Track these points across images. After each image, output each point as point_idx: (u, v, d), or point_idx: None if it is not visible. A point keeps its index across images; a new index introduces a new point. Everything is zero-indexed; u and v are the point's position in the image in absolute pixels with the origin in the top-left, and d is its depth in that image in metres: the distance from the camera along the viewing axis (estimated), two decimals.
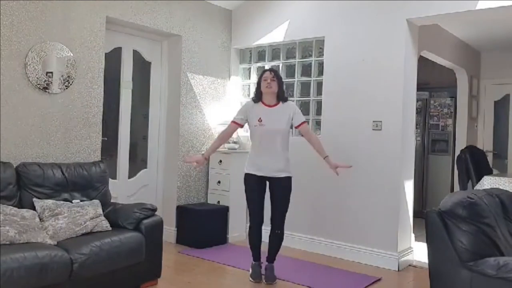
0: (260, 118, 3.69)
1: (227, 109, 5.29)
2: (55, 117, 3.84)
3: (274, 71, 3.79)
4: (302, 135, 3.88)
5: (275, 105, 3.74)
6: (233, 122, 3.83)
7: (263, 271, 3.77)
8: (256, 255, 3.81)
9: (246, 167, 3.79)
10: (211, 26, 5.22)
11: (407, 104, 4.31)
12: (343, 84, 4.57)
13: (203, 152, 4.10)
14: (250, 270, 3.81)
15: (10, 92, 3.56)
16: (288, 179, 3.74)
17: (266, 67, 5.24)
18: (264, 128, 3.68)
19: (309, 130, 3.84)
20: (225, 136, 3.90)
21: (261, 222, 3.76)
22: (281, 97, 3.75)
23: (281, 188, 3.72)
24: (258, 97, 3.78)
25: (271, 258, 3.81)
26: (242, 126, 3.86)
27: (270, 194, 3.76)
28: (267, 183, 3.75)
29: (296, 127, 3.79)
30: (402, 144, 4.25)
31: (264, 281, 3.72)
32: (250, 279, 3.76)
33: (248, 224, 3.84)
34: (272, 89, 3.70)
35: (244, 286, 3.70)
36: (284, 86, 3.92)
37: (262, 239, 3.80)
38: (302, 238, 4.75)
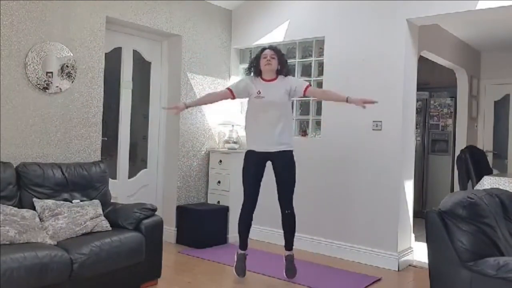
0: (259, 91, 3.66)
1: (227, 109, 5.29)
2: (55, 117, 3.84)
3: (274, 48, 3.76)
4: (314, 99, 3.84)
5: (274, 79, 3.71)
6: (228, 88, 3.80)
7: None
8: (243, 242, 3.78)
9: (247, 144, 3.77)
10: (211, 26, 5.22)
11: (407, 104, 4.31)
12: (343, 84, 4.56)
13: (185, 102, 3.96)
14: (235, 261, 3.79)
15: (10, 92, 3.56)
16: (289, 153, 3.70)
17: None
18: (263, 100, 3.64)
19: (316, 89, 3.80)
20: (214, 96, 3.87)
21: (253, 205, 3.73)
22: (281, 72, 3.71)
23: (285, 165, 3.68)
24: (256, 73, 3.74)
25: (288, 243, 3.78)
26: (233, 98, 3.81)
27: (274, 174, 3.72)
28: (267, 164, 3.70)
29: (304, 95, 3.74)
30: (402, 144, 4.25)
31: (284, 274, 3.71)
32: (234, 272, 3.75)
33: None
34: (272, 66, 3.67)
35: (244, 286, 3.70)
36: (287, 63, 3.85)
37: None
38: (302, 238, 4.75)
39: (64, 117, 3.91)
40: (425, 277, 3.14)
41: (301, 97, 4.96)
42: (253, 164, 3.70)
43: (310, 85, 3.77)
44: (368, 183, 4.38)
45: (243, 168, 3.75)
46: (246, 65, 5.43)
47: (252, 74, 3.81)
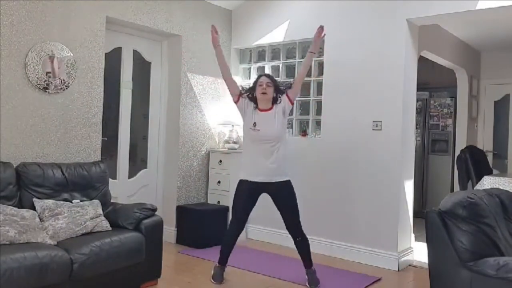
0: (254, 123, 3.55)
1: (227, 109, 5.29)
2: (55, 117, 3.84)
3: (270, 76, 3.69)
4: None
5: (270, 109, 3.60)
6: (241, 92, 3.66)
7: (296, 279, 3.71)
8: (223, 259, 3.70)
9: (241, 173, 3.66)
10: (211, 26, 5.20)
11: (407, 104, 4.31)
12: (343, 84, 4.57)
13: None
14: (212, 270, 3.73)
15: (10, 92, 3.56)
16: (288, 183, 3.61)
17: (266, 67, 5.25)
18: (258, 134, 3.54)
19: (293, 83, 3.62)
20: (229, 76, 3.67)
21: (240, 230, 3.68)
22: (276, 101, 3.61)
23: (285, 196, 3.60)
24: (252, 100, 3.64)
25: (307, 263, 3.71)
26: (236, 101, 3.66)
27: (276, 206, 3.64)
28: (263, 195, 3.62)
29: (292, 102, 3.61)
30: (402, 144, 4.25)
31: (307, 285, 3.65)
32: (212, 280, 3.68)
33: (229, 224, 3.76)
34: (268, 95, 3.55)
35: (244, 286, 3.70)
36: (280, 88, 3.70)
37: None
38: None
39: (64, 117, 3.91)
40: (425, 277, 3.14)
41: (301, 97, 5.00)
42: (247, 193, 3.60)
43: (288, 89, 3.63)
44: (368, 183, 4.38)
45: (235, 194, 3.66)
46: (246, 65, 5.47)
47: (248, 99, 3.67)
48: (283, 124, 3.64)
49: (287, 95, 3.62)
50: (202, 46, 5.11)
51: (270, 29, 5.13)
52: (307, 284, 3.66)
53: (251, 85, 3.76)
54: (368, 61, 4.41)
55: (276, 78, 4.61)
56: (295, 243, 3.67)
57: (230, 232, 3.71)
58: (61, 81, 3.86)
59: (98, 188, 3.74)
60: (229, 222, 4.86)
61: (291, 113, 5.01)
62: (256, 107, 3.63)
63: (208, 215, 4.78)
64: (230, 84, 3.71)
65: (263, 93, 3.54)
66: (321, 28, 3.63)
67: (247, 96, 3.66)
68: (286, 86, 3.68)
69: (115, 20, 4.31)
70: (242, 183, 3.64)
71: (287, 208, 3.62)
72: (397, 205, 4.23)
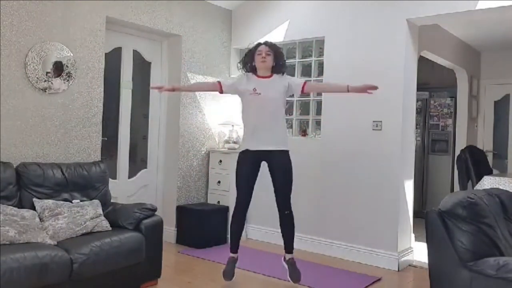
0: (254, 88, 3.51)
1: (227, 109, 5.29)
2: (55, 117, 3.84)
3: (270, 44, 3.62)
4: (315, 93, 3.67)
5: (269, 76, 3.57)
6: (218, 81, 3.68)
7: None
8: (235, 244, 3.66)
9: (241, 145, 3.63)
10: (211, 26, 5.22)
11: (407, 104, 4.31)
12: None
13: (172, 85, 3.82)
14: (225, 266, 3.66)
15: (10, 92, 3.56)
16: (285, 153, 3.57)
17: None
18: (259, 97, 3.49)
19: (314, 84, 3.59)
20: (202, 85, 3.73)
21: (246, 207, 3.60)
22: (277, 70, 3.58)
23: (282, 165, 3.55)
24: (251, 69, 3.61)
25: (288, 245, 3.66)
26: (221, 92, 3.66)
27: (271, 175, 3.60)
28: (263, 164, 3.58)
29: (303, 92, 3.59)
30: (402, 144, 4.25)
31: (288, 278, 3.61)
32: (222, 276, 3.63)
33: (234, 212, 3.70)
34: (267, 63, 3.51)
35: (244, 286, 3.70)
36: (284, 60, 3.68)
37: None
38: (302, 238, 4.75)
39: (64, 117, 3.90)
40: (425, 277, 3.14)
41: (301, 97, 5.00)
42: (248, 164, 3.56)
43: (306, 82, 3.60)
44: (368, 183, 4.38)
45: (237, 169, 3.60)
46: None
47: (245, 71, 3.67)
48: (284, 95, 3.59)
49: (304, 84, 3.57)
50: (202, 46, 5.11)
51: (270, 29, 5.13)
52: (288, 277, 3.62)
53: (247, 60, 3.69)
54: (368, 61, 4.41)
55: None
56: (281, 217, 3.62)
57: (237, 212, 3.63)
58: (61, 81, 3.86)
59: (98, 188, 3.74)
60: (230, 218, 4.90)
61: (291, 113, 5.02)
62: (253, 74, 3.60)
63: (208, 215, 4.78)
64: (207, 89, 3.76)
65: (263, 61, 3.52)
66: (375, 88, 3.41)
67: (243, 65, 3.65)
68: (285, 71, 3.66)
69: (115, 20, 4.31)
70: (243, 154, 3.60)
71: (282, 179, 3.56)
72: (397, 205, 4.23)
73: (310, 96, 4.92)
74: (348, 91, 3.46)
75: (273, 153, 3.55)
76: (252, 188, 3.61)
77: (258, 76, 3.60)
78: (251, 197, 3.63)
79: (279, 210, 3.63)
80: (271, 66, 3.57)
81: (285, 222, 3.64)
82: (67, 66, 3.89)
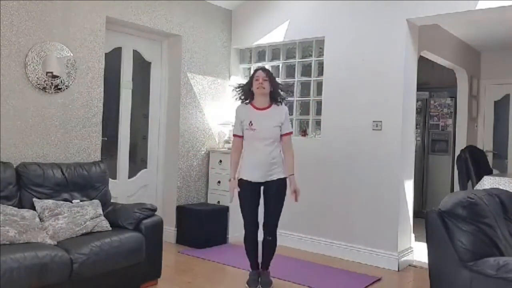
0: (250, 122, 3.51)
1: (227, 109, 5.29)
2: (55, 117, 3.84)
3: (267, 70, 3.63)
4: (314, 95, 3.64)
5: (267, 107, 3.56)
6: (235, 135, 3.68)
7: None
8: (254, 263, 3.65)
9: (240, 172, 3.64)
10: (211, 26, 5.22)
11: (407, 104, 4.31)
12: (343, 84, 4.57)
13: (229, 178, 3.70)
14: (248, 278, 3.67)
15: (10, 92, 3.56)
16: (281, 180, 3.56)
17: (266, 67, 5.23)
18: (255, 133, 3.51)
19: (289, 143, 3.62)
20: (237, 153, 3.65)
21: (256, 228, 3.61)
22: (275, 98, 3.58)
23: (274, 190, 3.56)
24: (248, 97, 3.60)
25: (265, 265, 3.65)
26: (242, 136, 3.64)
27: (264, 198, 3.61)
28: (262, 188, 3.60)
29: (280, 138, 3.59)
30: (402, 144, 4.25)
31: (260, 286, 3.59)
32: (246, 285, 3.63)
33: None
34: (265, 90, 3.50)
35: (244, 286, 3.70)
36: (280, 87, 3.68)
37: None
38: (302, 238, 4.75)
39: (64, 117, 3.90)
40: (425, 277, 3.14)
41: (301, 97, 5.00)
42: (249, 191, 3.56)
43: (290, 134, 3.62)
44: (368, 183, 4.38)
45: (239, 195, 3.58)
46: (246, 65, 5.47)
47: (241, 101, 3.65)
48: (278, 128, 3.57)
49: (287, 135, 3.58)
50: (202, 46, 5.11)
51: (270, 29, 5.13)
52: (259, 285, 3.59)
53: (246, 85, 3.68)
54: (368, 61, 4.41)
55: (276, 78, 4.57)
56: (264, 241, 3.61)
57: (248, 234, 3.62)
58: (61, 81, 3.86)
59: (98, 188, 3.74)
60: (230, 218, 4.91)
61: (291, 113, 5.02)
62: (249, 103, 3.59)
63: (208, 215, 4.78)
64: (241, 149, 3.67)
65: (260, 87, 3.51)
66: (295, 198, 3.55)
67: (241, 96, 3.64)
68: (284, 88, 3.66)
69: (115, 20, 4.31)
70: (242, 183, 3.60)
71: (273, 203, 3.55)
72: (397, 205, 4.23)
73: (310, 96, 4.92)
74: (288, 176, 3.54)
75: (270, 182, 3.55)
76: (257, 209, 3.61)
77: (255, 108, 3.58)
78: (257, 217, 3.62)
79: (264, 234, 3.61)
80: (268, 92, 3.55)
81: (266, 246, 3.62)
82: (67, 66, 3.89)
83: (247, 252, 3.66)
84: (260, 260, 3.67)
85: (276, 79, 3.75)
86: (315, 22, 4.80)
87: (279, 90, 3.64)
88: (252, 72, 3.75)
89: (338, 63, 4.61)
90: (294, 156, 3.61)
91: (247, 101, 3.62)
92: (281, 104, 3.63)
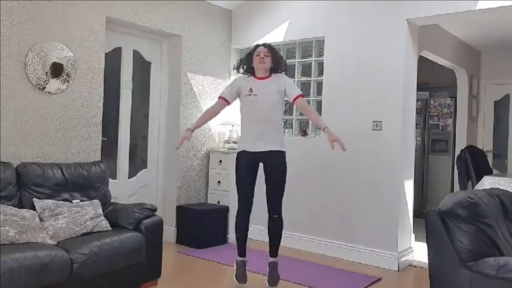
0: (251, 89, 3.50)
1: (227, 109, 5.27)
2: (55, 117, 3.84)
3: (268, 45, 3.60)
4: (314, 94, 3.61)
5: (267, 77, 3.55)
6: (220, 97, 3.65)
7: (263, 269, 3.65)
8: (241, 249, 3.61)
9: (238, 146, 3.62)
10: (211, 26, 5.22)
11: (407, 104, 4.31)
12: (343, 84, 4.57)
13: (188, 127, 3.75)
14: (235, 268, 3.63)
15: (10, 92, 3.56)
16: (281, 153, 3.53)
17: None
18: (255, 99, 3.48)
19: (305, 104, 3.57)
20: (212, 112, 3.66)
21: (249, 209, 3.56)
22: (275, 71, 3.56)
23: (275, 165, 3.51)
24: (249, 70, 3.60)
25: (273, 250, 3.60)
26: (229, 103, 3.66)
27: (265, 175, 3.55)
28: (260, 165, 3.55)
29: (292, 102, 3.58)
30: (402, 144, 4.25)
31: (266, 283, 3.58)
32: (235, 279, 3.61)
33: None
34: (265, 64, 3.50)
35: (244, 286, 3.70)
36: (283, 63, 3.66)
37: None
38: (302, 238, 4.75)
39: (64, 117, 3.90)
40: (425, 277, 3.14)
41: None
42: (246, 165, 3.53)
43: (302, 97, 3.56)
44: (368, 183, 4.38)
45: (236, 170, 3.57)
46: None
47: (243, 72, 3.66)
48: (281, 96, 3.56)
49: (299, 97, 3.53)
50: (202, 46, 5.11)
51: (270, 29, 5.13)
52: (266, 281, 3.58)
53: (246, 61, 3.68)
54: (368, 61, 4.41)
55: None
56: (269, 220, 3.57)
57: (240, 215, 3.57)
58: (61, 81, 3.86)
59: (98, 188, 3.74)
60: (230, 218, 4.90)
61: (291, 113, 5.02)
62: (251, 75, 3.59)
63: (208, 215, 4.78)
64: (218, 111, 3.72)
65: (261, 62, 3.50)
66: (343, 147, 3.39)
67: (240, 67, 3.64)
68: (285, 67, 3.65)
69: (115, 20, 4.31)
70: (240, 155, 3.58)
71: (274, 179, 3.52)
72: (397, 205, 4.23)
73: (310, 96, 4.92)
74: (323, 130, 3.47)
75: (269, 154, 3.51)
76: (253, 189, 3.57)
77: (256, 78, 3.58)
78: (252, 197, 3.59)
79: (269, 213, 3.57)
80: (269, 68, 3.55)
81: (273, 226, 3.58)
82: (67, 66, 3.89)
83: (237, 235, 3.61)
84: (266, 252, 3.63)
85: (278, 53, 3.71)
86: (315, 22, 4.80)
87: (281, 66, 3.61)
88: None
89: (338, 63, 4.61)
90: (315, 111, 3.59)
91: (248, 74, 3.61)
92: (281, 73, 3.61)
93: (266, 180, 3.56)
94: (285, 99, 3.64)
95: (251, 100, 3.52)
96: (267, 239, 5.06)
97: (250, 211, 3.59)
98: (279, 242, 3.63)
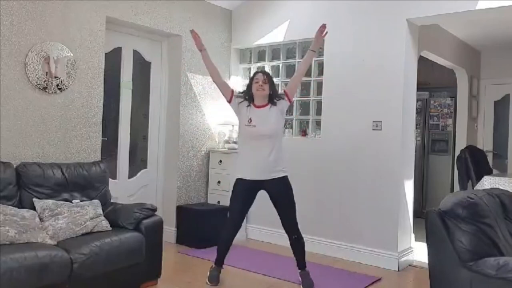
0: (250, 119, 3.52)
1: (227, 109, 5.27)
2: (55, 117, 3.84)
3: (266, 73, 3.65)
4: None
5: (265, 105, 3.56)
6: (232, 90, 3.69)
7: (296, 279, 3.67)
8: (220, 260, 3.66)
9: (237, 172, 3.63)
10: (211, 26, 5.22)
11: (407, 104, 4.31)
12: (343, 84, 4.57)
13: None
14: (208, 274, 3.66)
15: (10, 92, 3.56)
16: (285, 179, 3.56)
17: (266, 67, 5.24)
18: (254, 130, 3.50)
19: (290, 82, 3.65)
20: (218, 77, 3.66)
21: (236, 230, 3.62)
22: (273, 99, 3.57)
23: (283, 192, 3.55)
24: (248, 98, 3.61)
25: (301, 264, 3.64)
26: (229, 101, 3.64)
27: (272, 203, 3.60)
28: (260, 192, 3.58)
29: (290, 101, 3.60)
30: (402, 144, 4.25)
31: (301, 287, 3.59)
32: (208, 282, 3.62)
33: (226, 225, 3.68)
34: (265, 92, 3.52)
35: (244, 286, 3.70)
36: (277, 87, 3.72)
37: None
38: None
39: (64, 117, 3.90)
40: (425, 277, 3.14)
41: (301, 97, 5.00)
42: (243, 195, 3.56)
43: (284, 89, 3.57)
44: (368, 183, 4.38)
45: (232, 196, 3.60)
46: (246, 65, 5.47)
47: (246, 98, 3.65)
48: (280, 121, 3.60)
49: (285, 93, 3.62)
50: None
51: (270, 29, 5.13)
52: (301, 286, 3.61)
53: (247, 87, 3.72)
54: (368, 61, 4.41)
55: (276, 78, 4.59)
56: (290, 241, 3.62)
57: (226, 232, 3.64)
58: (61, 81, 3.87)
59: (98, 188, 3.74)
60: (247, 224, 4.91)
61: (291, 113, 5.02)
62: (250, 104, 3.59)
63: (208, 215, 4.78)
64: (221, 85, 3.70)
65: (260, 89, 3.52)
66: (323, 26, 3.62)
67: (243, 96, 3.64)
68: (281, 97, 3.64)
69: (115, 20, 4.31)
70: (238, 183, 3.60)
71: (284, 204, 3.57)
72: (397, 205, 4.23)
73: (310, 96, 4.92)
74: (314, 51, 3.63)
75: (272, 182, 3.52)
76: (246, 213, 3.65)
77: (255, 106, 3.58)
78: (242, 221, 3.67)
79: (287, 234, 3.62)
80: (268, 94, 3.56)
81: (294, 245, 3.63)
82: (67, 66, 3.89)
83: (218, 247, 3.67)
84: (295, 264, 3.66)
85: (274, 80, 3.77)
86: (315, 22, 4.75)
87: (277, 93, 3.65)
88: (252, 73, 3.75)
89: (338, 63, 4.61)
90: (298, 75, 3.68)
91: (248, 104, 3.61)
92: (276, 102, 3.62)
93: (275, 207, 3.60)
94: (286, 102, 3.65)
95: (250, 131, 3.53)
96: (266, 239, 5.09)
97: (237, 231, 3.66)
98: (304, 255, 3.67)
